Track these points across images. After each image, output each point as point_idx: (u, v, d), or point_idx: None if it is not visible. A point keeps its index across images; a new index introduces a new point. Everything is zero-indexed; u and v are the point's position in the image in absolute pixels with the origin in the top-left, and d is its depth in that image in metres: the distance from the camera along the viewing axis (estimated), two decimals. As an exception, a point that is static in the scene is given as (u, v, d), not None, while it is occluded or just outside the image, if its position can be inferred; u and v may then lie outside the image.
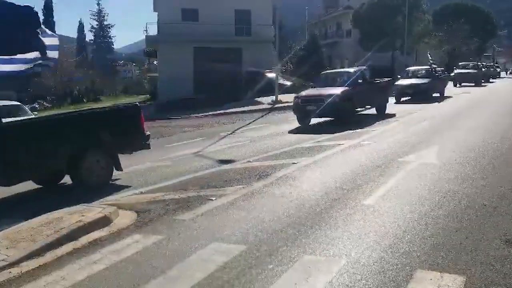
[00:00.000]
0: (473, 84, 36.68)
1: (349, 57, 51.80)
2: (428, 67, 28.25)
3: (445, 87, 28.21)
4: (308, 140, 13.21)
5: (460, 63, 41.77)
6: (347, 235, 5.51)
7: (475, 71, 38.24)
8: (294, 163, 10.00)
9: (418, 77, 26.45)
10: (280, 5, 33.24)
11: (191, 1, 36.58)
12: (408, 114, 18.18)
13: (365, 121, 16.36)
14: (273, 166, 9.80)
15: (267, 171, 9.32)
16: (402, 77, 27.53)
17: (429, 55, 30.56)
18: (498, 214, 5.99)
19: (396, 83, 24.83)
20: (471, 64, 41.34)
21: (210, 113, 26.10)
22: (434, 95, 25.46)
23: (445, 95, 26.91)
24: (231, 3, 37.09)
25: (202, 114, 26.19)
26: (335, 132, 14.04)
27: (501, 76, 56.57)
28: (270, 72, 33.24)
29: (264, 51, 37.20)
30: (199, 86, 35.10)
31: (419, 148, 10.75)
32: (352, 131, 14.19)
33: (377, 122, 16.25)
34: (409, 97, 24.69)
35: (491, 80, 44.54)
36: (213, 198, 7.53)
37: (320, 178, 8.50)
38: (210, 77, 34.80)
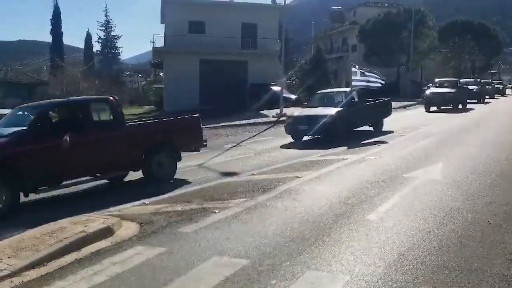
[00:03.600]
0: (451, 107, 28.64)
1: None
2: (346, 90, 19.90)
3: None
4: (313, 154, 13.19)
5: (437, 80, 33.92)
6: (351, 250, 5.47)
7: (451, 90, 28.97)
8: (298, 176, 9.97)
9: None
10: (287, 19, 33.43)
11: (198, 13, 36.85)
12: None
13: (369, 137, 16.35)
14: (277, 180, 9.78)
15: (271, 185, 9.30)
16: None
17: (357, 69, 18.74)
18: (503, 233, 5.94)
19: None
20: (450, 80, 33.42)
21: (215, 125, 26.12)
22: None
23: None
24: (238, 16, 37.35)
25: (207, 126, 26.16)
26: (339, 147, 14.01)
27: (506, 93, 54.74)
28: (275, 85, 33.36)
29: (270, 64, 37.36)
30: (205, 98, 35.20)
31: (424, 164, 10.71)
32: (357, 148, 14.16)
33: (379, 138, 16.16)
34: None
35: (486, 100, 38.59)
36: (217, 211, 7.50)
37: (324, 193, 8.47)
38: (215, 89, 34.95)
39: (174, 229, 6.69)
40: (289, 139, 16.95)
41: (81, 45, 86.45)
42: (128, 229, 6.80)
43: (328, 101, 18.26)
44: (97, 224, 6.62)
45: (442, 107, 28.87)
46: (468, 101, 33.45)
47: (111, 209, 8.04)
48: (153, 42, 43.99)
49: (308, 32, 68.55)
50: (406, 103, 35.25)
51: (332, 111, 16.21)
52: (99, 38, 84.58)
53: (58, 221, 6.97)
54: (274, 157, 13.27)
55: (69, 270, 5.31)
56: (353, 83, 18.12)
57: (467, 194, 7.93)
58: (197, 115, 12.32)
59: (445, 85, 30.35)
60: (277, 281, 4.70)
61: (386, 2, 64.73)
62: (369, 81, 18.14)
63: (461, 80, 37.84)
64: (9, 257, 5.53)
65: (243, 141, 18.67)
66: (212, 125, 26.23)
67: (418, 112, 29.35)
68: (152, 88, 59.22)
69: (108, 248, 6.02)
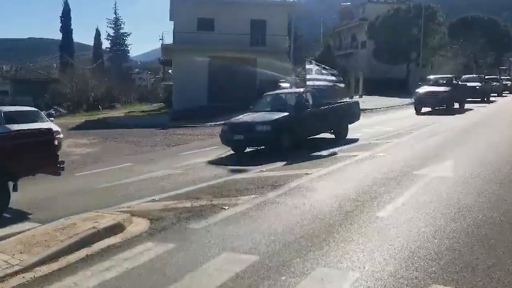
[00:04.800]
0: (444, 107, 25.16)
1: (364, 68, 51.67)
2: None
3: None
4: (322, 151, 13.15)
5: (430, 77, 30.19)
6: (361, 247, 5.45)
7: (445, 89, 25.37)
8: (308, 173, 9.95)
9: None
10: (296, 16, 33.30)
11: (207, 10, 36.81)
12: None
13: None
14: (286, 176, 9.77)
15: (280, 181, 9.29)
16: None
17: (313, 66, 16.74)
18: (515, 230, 5.89)
19: None
20: (445, 76, 29.20)
21: (224, 122, 26.06)
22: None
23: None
24: (247, 13, 37.25)
25: (216, 123, 26.22)
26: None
27: None
28: (285, 82, 33.28)
29: (279, 61, 37.25)
30: (214, 95, 35.20)
31: (435, 161, 10.64)
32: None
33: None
34: None
35: (492, 99, 34.79)
36: (226, 207, 7.51)
37: (333, 190, 8.45)
38: (224, 86, 34.91)
39: (184, 225, 6.71)
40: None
41: (91, 43, 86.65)
42: (138, 225, 6.83)
43: (277, 104, 15.22)
44: (107, 221, 6.65)
45: (436, 108, 24.93)
46: (470, 99, 29.67)
47: (122, 205, 8.07)
48: (162, 39, 44.17)
49: (317, 29, 68.24)
50: (412, 100, 34.09)
51: (275, 117, 13.46)
52: (108, 35, 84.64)
53: (69, 217, 7.03)
54: (283, 153, 13.13)
55: (79, 266, 5.34)
56: (308, 82, 15.38)
57: (477, 191, 7.88)
58: (48, 128, 10.05)
59: (439, 82, 27.20)
60: (287, 278, 4.70)
61: (396, -2, 64.35)
62: (328, 80, 15.96)
63: (463, 77, 34.74)
64: (20, 253, 5.58)
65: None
66: (220, 122, 26.24)
67: (401, 114, 25.42)
68: (161, 85, 59.38)
69: (118, 244, 6.05)
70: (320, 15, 68.14)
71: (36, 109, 20.35)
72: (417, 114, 24.31)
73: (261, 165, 11.38)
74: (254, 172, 10.62)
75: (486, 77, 37.62)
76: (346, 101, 17.17)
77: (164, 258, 5.47)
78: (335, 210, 7.09)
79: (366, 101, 36.29)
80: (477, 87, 32.12)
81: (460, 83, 29.03)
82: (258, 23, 38.02)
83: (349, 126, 16.20)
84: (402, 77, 51.13)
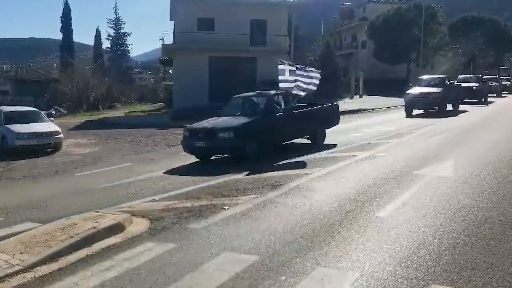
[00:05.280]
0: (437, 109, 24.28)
1: (364, 68, 51.69)
2: None
3: None
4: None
5: (421, 77, 28.55)
6: (361, 247, 5.46)
7: (437, 90, 24.13)
8: (308, 173, 9.96)
9: None
10: (296, 15, 33.26)
11: (208, 10, 36.83)
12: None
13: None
14: (286, 176, 9.78)
15: (280, 181, 9.30)
16: None
17: (286, 66, 14.45)
18: (514, 230, 5.89)
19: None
20: (437, 77, 27.80)
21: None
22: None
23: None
24: (247, 13, 37.26)
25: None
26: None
27: None
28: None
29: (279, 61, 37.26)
30: (214, 95, 35.18)
31: (435, 161, 10.65)
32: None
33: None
34: None
35: (491, 99, 33.07)
36: (226, 207, 7.53)
37: (333, 190, 8.46)
38: (225, 86, 34.89)
39: (184, 225, 6.72)
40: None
41: (91, 43, 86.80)
42: (139, 225, 6.84)
43: (245, 108, 14.25)
44: (108, 220, 6.66)
45: (429, 110, 24.19)
46: (467, 100, 29.03)
47: (122, 205, 8.09)
48: (162, 39, 44.14)
49: (317, 29, 68.20)
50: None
51: (240, 122, 12.66)
52: (109, 35, 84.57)
53: (70, 217, 7.05)
54: (283, 153, 13.12)
55: (80, 266, 5.35)
56: (280, 84, 13.73)
57: (477, 191, 7.89)
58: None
59: (431, 83, 25.78)
60: (287, 278, 4.71)
61: (396, -2, 64.40)
62: (303, 83, 13.88)
63: (459, 77, 33.56)
64: (21, 253, 5.59)
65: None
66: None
67: (401, 114, 24.13)
68: (161, 85, 59.41)
69: (118, 244, 6.06)
70: (321, 15, 68.03)
71: (36, 109, 20.42)
72: (407, 117, 22.96)
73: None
74: (254, 172, 10.61)
75: (485, 77, 36.27)
76: (324, 105, 16.04)
77: (164, 258, 5.48)
78: (335, 210, 7.09)
79: (366, 101, 36.39)
80: (474, 88, 30.87)
81: (454, 83, 27.89)
82: (258, 23, 38.02)
83: (347, 126, 16.16)
84: (402, 77, 51.15)
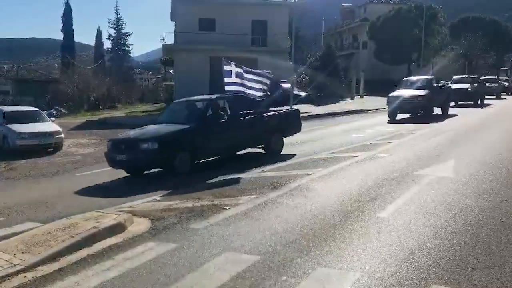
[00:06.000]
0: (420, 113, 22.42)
1: (365, 69, 51.70)
2: None
3: None
4: (323, 151, 13.15)
5: (406, 78, 26.76)
6: (362, 248, 5.46)
7: (422, 93, 21.91)
8: (308, 174, 9.96)
9: None
10: (297, 16, 33.24)
11: (209, 10, 36.88)
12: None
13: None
14: (287, 177, 9.77)
15: (281, 181, 9.30)
16: None
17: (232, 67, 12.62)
18: (515, 231, 5.89)
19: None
20: (423, 78, 25.62)
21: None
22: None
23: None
24: (248, 13, 37.31)
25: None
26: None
27: None
28: (286, 82, 33.31)
29: (280, 61, 37.26)
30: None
31: (436, 162, 10.65)
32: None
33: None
34: None
35: (488, 101, 31.17)
36: (227, 207, 7.53)
37: (334, 190, 8.46)
38: (225, 86, 35.00)
39: (185, 225, 6.72)
40: (298, 137, 14.86)
41: (92, 43, 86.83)
42: (140, 225, 6.84)
43: (181, 115, 12.58)
44: (108, 220, 6.67)
45: (418, 114, 22.29)
46: (461, 102, 27.71)
47: (123, 205, 8.09)
48: (163, 39, 44.15)
49: (318, 29, 68.31)
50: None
51: (168, 131, 11.23)
52: (110, 35, 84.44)
53: (71, 217, 7.05)
54: (283, 153, 13.11)
55: (81, 266, 5.35)
56: (226, 87, 11.99)
57: (478, 191, 7.89)
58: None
59: (417, 85, 23.30)
60: (288, 278, 4.71)
61: (397, -2, 64.42)
62: (249, 87, 12.36)
63: (453, 78, 31.58)
64: (22, 253, 5.60)
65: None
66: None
67: (402, 115, 22.24)
68: (162, 86, 59.44)
69: (119, 244, 6.06)
70: (321, 15, 68.17)
71: (37, 109, 20.42)
72: (389, 122, 20.86)
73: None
74: (255, 172, 10.61)
75: (482, 77, 35.09)
76: (281, 110, 14.54)
77: (165, 258, 5.48)
78: (336, 210, 7.09)
79: (367, 102, 36.35)
80: (469, 89, 28.84)
81: (446, 85, 25.86)
82: (259, 23, 38.07)
83: (348, 127, 15.98)
84: (403, 77, 51.06)
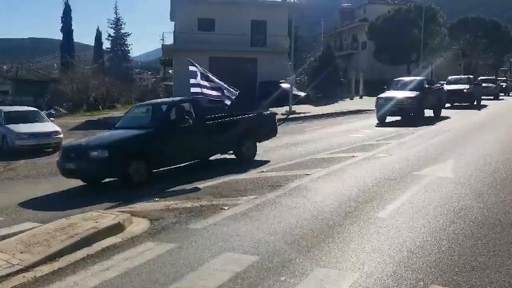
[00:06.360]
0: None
1: (364, 69, 51.70)
2: None
3: None
4: (322, 151, 13.16)
5: (395, 79, 25.07)
6: (361, 248, 5.47)
7: (412, 95, 20.89)
8: (308, 174, 9.97)
9: None
10: (296, 16, 33.25)
11: (208, 11, 36.87)
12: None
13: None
14: (286, 177, 9.78)
15: (281, 182, 9.30)
16: None
17: (198, 69, 11.29)
18: (514, 231, 5.89)
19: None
20: (414, 79, 24.47)
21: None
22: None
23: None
24: (248, 14, 37.30)
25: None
26: (350, 145, 13.50)
27: None
28: (285, 82, 33.33)
29: (279, 61, 37.29)
30: (214, 95, 35.30)
31: (435, 162, 10.66)
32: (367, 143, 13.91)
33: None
34: None
35: (485, 102, 30.36)
36: (226, 208, 7.53)
37: (333, 190, 8.46)
38: (225, 86, 34.99)
39: (184, 225, 6.73)
40: (298, 137, 15.74)
41: (91, 43, 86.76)
42: (139, 225, 6.84)
43: (141, 119, 11.93)
44: (108, 220, 6.67)
45: (410, 115, 21.07)
46: (457, 104, 26.93)
47: (122, 205, 8.08)
48: (163, 39, 44.09)
49: (317, 29, 68.26)
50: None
51: (121, 137, 10.54)
52: (109, 35, 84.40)
53: (70, 217, 7.05)
54: (283, 154, 13.11)
55: (80, 266, 5.36)
56: (191, 89, 10.98)
57: (477, 192, 7.89)
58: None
59: (407, 86, 22.20)
60: (287, 278, 4.71)
61: (397, -1, 64.48)
62: (215, 89, 11.32)
63: (449, 78, 30.83)
64: (21, 253, 5.60)
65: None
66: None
67: (389, 118, 21.36)
68: (161, 86, 59.45)
69: (119, 244, 6.06)
70: (321, 16, 68.10)
71: (36, 109, 20.41)
72: (377, 126, 19.92)
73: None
74: (255, 173, 10.62)
75: (480, 78, 34.40)
76: (255, 113, 13.86)
77: (165, 258, 5.49)
78: (335, 210, 7.10)
79: (366, 102, 36.34)
80: (464, 90, 27.72)
81: (439, 85, 25.18)
82: (259, 23, 38.06)
83: (347, 127, 15.98)
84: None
